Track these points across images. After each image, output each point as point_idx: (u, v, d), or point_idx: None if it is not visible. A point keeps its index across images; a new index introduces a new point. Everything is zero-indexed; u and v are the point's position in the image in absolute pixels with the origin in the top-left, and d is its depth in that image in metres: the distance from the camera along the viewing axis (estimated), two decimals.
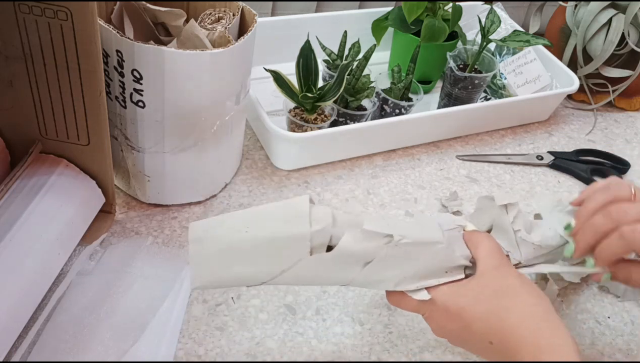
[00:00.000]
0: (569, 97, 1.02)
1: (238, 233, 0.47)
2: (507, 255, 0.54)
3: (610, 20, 0.92)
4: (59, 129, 0.58)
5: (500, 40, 0.88)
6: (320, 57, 0.81)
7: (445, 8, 0.90)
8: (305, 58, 0.76)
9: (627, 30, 0.93)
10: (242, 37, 0.61)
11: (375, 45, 0.82)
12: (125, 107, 0.62)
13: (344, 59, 0.84)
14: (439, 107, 0.92)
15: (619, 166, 0.89)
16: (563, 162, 0.88)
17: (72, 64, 0.52)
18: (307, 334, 0.60)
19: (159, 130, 0.63)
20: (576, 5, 0.97)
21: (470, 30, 1.01)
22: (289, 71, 0.78)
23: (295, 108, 0.80)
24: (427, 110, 0.86)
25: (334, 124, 0.78)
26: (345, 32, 0.84)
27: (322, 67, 0.82)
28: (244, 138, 0.78)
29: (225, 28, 0.64)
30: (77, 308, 0.58)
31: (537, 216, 0.59)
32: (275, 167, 0.79)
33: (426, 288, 0.51)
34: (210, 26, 0.66)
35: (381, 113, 0.83)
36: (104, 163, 0.61)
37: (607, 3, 0.93)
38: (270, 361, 0.58)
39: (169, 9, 0.65)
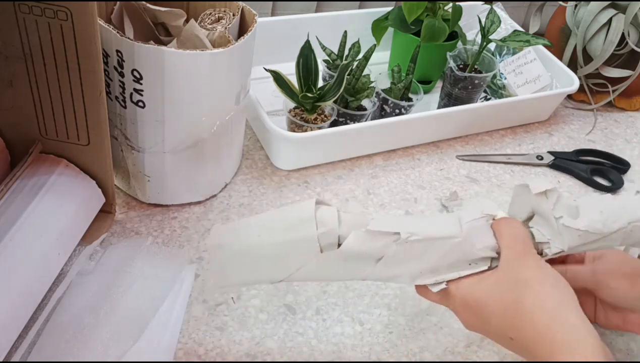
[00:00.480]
0: (569, 97, 1.02)
1: (252, 239, 0.50)
2: (549, 243, 0.52)
3: (610, 20, 0.92)
4: (59, 129, 0.58)
5: (500, 40, 0.88)
6: (320, 57, 0.81)
7: (445, 8, 0.90)
8: (305, 58, 0.76)
9: (627, 30, 0.93)
10: (242, 37, 0.61)
11: (375, 45, 0.82)
12: (125, 107, 0.62)
13: (344, 59, 0.84)
14: (439, 107, 0.92)
15: (619, 166, 0.89)
16: (563, 162, 0.88)
17: (72, 64, 0.52)
18: (307, 334, 0.60)
19: (159, 130, 0.63)
20: (576, 5, 0.97)
21: (470, 30, 1.01)
22: (289, 71, 0.78)
23: (295, 108, 0.80)
24: (427, 110, 0.86)
25: (334, 124, 0.78)
26: (345, 32, 0.84)
27: (322, 67, 0.82)
28: (244, 138, 0.78)
29: (225, 28, 0.64)
30: (77, 308, 0.58)
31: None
32: (275, 167, 0.79)
33: (448, 281, 0.51)
34: (210, 26, 0.66)
35: (381, 113, 0.83)
36: (104, 163, 0.61)
37: (607, 3, 0.93)
38: (270, 361, 0.58)
39: (169, 9, 0.65)
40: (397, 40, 0.95)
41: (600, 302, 0.61)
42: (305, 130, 0.76)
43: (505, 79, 0.93)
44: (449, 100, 0.89)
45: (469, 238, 0.50)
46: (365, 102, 0.81)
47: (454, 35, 0.93)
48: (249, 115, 0.82)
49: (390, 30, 0.94)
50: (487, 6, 0.98)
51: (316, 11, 1.04)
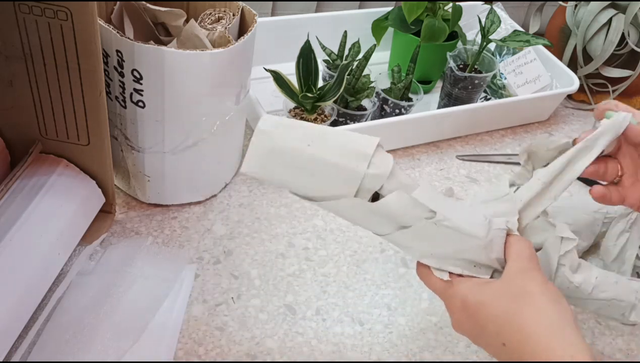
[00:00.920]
0: (569, 97, 1.02)
1: (300, 144, 0.47)
2: None
3: (610, 20, 0.92)
4: (59, 129, 0.58)
5: (500, 40, 0.88)
6: (320, 57, 0.81)
7: (445, 8, 0.90)
8: (305, 58, 0.76)
9: (627, 30, 0.93)
10: (242, 37, 0.61)
11: (375, 45, 0.82)
12: (125, 107, 0.62)
13: (344, 59, 0.84)
14: (439, 107, 0.92)
15: None
16: None
17: (72, 64, 0.52)
18: (307, 334, 0.60)
19: (159, 130, 0.63)
20: (576, 5, 0.97)
21: (470, 30, 1.01)
22: (289, 71, 0.78)
23: (295, 108, 0.80)
24: (427, 110, 0.86)
25: (334, 124, 0.78)
26: (345, 32, 0.84)
27: (322, 67, 0.82)
28: (244, 138, 0.78)
29: (225, 28, 0.64)
30: (77, 308, 0.58)
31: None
32: None
33: (451, 275, 0.51)
34: (210, 26, 0.66)
35: (381, 113, 0.83)
36: (104, 163, 0.61)
37: (607, 3, 0.93)
38: (270, 361, 0.58)
39: (169, 9, 0.65)
40: (397, 40, 0.95)
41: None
42: None
43: (505, 79, 0.92)
44: (449, 100, 0.89)
45: (490, 245, 0.50)
46: (365, 102, 0.81)
47: (454, 35, 0.93)
48: (249, 115, 0.82)
49: (390, 30, 0.94)
50: (487, 6, 0.98)
51: (316, 11, 1.04)
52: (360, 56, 0.81)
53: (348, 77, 0.77)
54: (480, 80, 0.87)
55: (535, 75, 0.92)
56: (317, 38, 0.82)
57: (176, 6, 0.66)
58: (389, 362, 0.60)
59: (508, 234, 0.52)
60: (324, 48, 0.84)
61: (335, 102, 0.78)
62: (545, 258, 0.54)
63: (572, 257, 0.54)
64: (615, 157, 0.56)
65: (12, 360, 0.53)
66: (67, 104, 0.56)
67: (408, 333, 0.62)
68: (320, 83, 0.82)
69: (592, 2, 0.93)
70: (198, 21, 0.66)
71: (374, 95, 0.81)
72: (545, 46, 0.94)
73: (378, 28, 0.92)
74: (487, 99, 0.93)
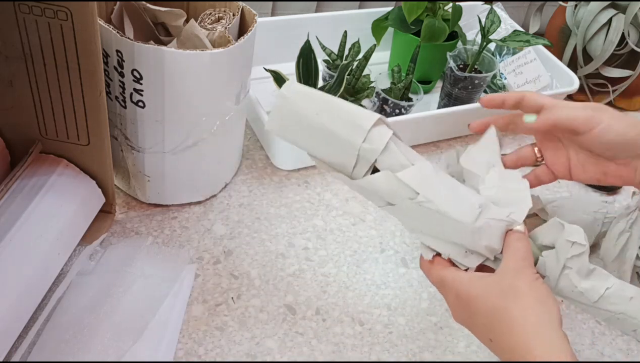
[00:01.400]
0: (569, 97, 1.02)
1: (311, 112, 0.51)
2: (542, 276, 0.53)
3: (610, 20, 0.92)
4: (59, 129, 0.58)
5: (500, 40, 0.88)
6: (320, 57, 0.81)
7: (445, 8, 0.90)
8: (305, 58, 0.76)
9: (627, 30, 0.93)
10: (242, 37, 0.61)
11: (375, 45, 0.82)
12: (125, 107, 0.62)
13: (344, 59, 0.84)
14: (439, 107, 0.92)
15: None
16: None
17: (72, 64, 0.52)
18: (307, 334, 0.60)
19: (159, 130, 0.63)
20: (576, 5, 0.97)
21: (470, 30, 1.01)
22: (289, 71, 0.78)
23: None
24: (427, 110, 0.86)
25: None
26: (345, 32, 0.84)
27: (322, 67, 0.82)
28: (244, 138, 0.78)
29: (225, 28, 0.64)
30: (77, 308, 0.58)
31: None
32: (275, 167, 0.79)
33: (450, 267, 0.52)
34: (210, 26, 0.66)
35: (381, 113, 0.83)
36: (104, 163, 0.61)
37: (607, 3, 0.93)
38: (270, 361, 0.58)
39: (169, 9, 0.65)
40: (397, 40, 0.95)
41: (576, 154, 0.60)
42: None
43: (505, 79, 0.92)
44: (449, 100, 0.89)
45: (479, 232, 0.51)
46: (365, 102, 0.81)
47: (454, 35, 0.93)
48: (249, 115, 0.82)
49: (390, 30, 0.94)
50: (487, 6, 0.98)
51: (316, 11, 1.04)
52: (360, 56, 0.81)
53: (348, 77, 0.77)
54: (480, 80, 0.87)
55: (535, 75, 0.92)
56: (317, 38, 0.82)
57: (176, 6, 0.66)
58: (389, 362, 0.60)
59: (510, 229, 0.52)
60: (324, 48, 0.84)
61: None
62: (554, 260, 0.54)
63: (582, 262, 0.53)
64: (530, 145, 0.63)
65: (12, 360, 0.53)
66: (67, 104, 0.56)
67: (408, 333, 0.62)
68: (320, 83, 0.82)
69: (592, 2, 0.93)
70: (198, 21, 0.66)
71: (374, 95, 0.81)
72: (545, 46, 0.94)
73: (378, 28, 0.92)
74: None
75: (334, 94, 0.74)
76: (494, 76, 0.93)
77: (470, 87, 0.87)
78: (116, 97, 0.62)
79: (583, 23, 0.94)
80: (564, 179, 0.62)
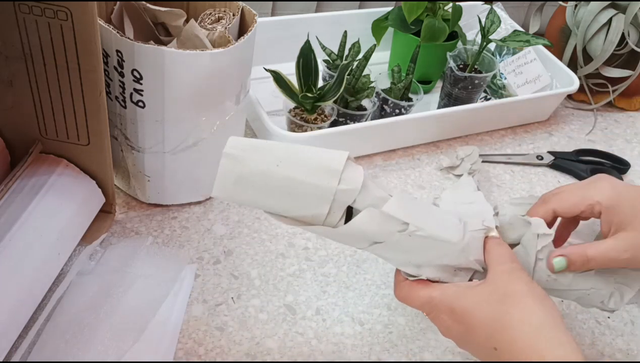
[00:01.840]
0: (569, 97, 1.02)
1: (269, 166, 0.47)
2: None
3: (610, 20, 0.92)
4: (59, 129, 0.58)
5: (500, 40, 0.88)
6: (320, 57, 0.81)
7: (445, 8, 0.90)
8: (305, 58, 0.76)
9: (627, 30, 0.93)
10: (242, 37, 0.61)
11: (375, 45, 0.82)
12: (125, 107, 0.62)
13: (344, 59, 0.84)
14: (439, 107, 0.92)
15: (619, 166, 0.89)
16: (563, 162, 0.88)
17: (72, 64, 0.52)
18: (307, 334, 0.60)
19: (159, 130, 0.63)
20: (576, 5, 0.97)
21: (470, 30, 1.01)
22: (289, 71, 0.78)
23: (295, 108, 0.80)
24: (427, 110, 0.86)
25: (334, 124, 0.78)
26: (345, 32, 0.84)
27: (322, 67, 0.82)
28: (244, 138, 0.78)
29: (225, 28, 0.64)
30: (77, 308, 0.58)
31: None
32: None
33: (435, 284, 0.51)
34: (210, 26, 0.66)
35: (381, 113, 0.83)
36: (104, 163, 0.61)
37: (607, 3, 0.93)
38: (270, 361, 0.58)
39: (169, 9, 0.65)
40: (397, 40, 0.95)
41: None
42: (305, 130, 0.76)
43: (505, 79, 0.92)
44: (449, 100, 0.89)
45: (468, 247, 0.51)
46: (365, 102, 0.81)
47: (454, 35, 0.93)
48: (249, 115, 0.82)
49: (390, 30, 0.94)
50: (487, 6, 0.98)
51: (316, 11, 1.04)
52: (360, 56, 0.81)
53: (348, 77, 0.77)
54: (480, 80, 0.87)
55: (535, 75, 0.92)
56: (317, 38, 0.82)
57: (176, 6, 0.66)
58: (389, 362, 0.60)
59: (486, 236, 0.52)
60: (324, 48, 0.84)
61: (335, 102, 0.78)
62: (524, 254, 0.54)
63: (549, 250, 0.54)
64: None
65: (12, 360, 0.53)
66: (67, 104, 0.56)
67: (408, 333, 0.62)
68: (320, 83, 0.82)
69: (592, 2, 0.94)
70: (198, 21, 0.66)
71: (374, 95, 0.81)
72: (545, 46, 0.94)
73: (378, 28, 0.92)
74: (487, 99, 0.93)
75: (334, 93, 0.74)
76: (494, 76, 0.93)
77: (470, 87, 0.87)
78: (116, 97, 0.62)
79: (583, 23, 0.94)
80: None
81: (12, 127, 0.59)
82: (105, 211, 0.66)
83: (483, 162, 0.86)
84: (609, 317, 0.68)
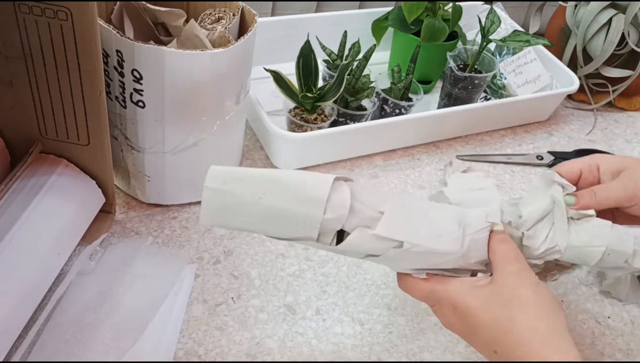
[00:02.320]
0: (569, 97, 1.02)
1: (252, 197, 0.46)
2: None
3: (610, 20, 0.92)
4: (59, 129, 0.58)
5: (500, 40, 0.88)
6: (320, 57, 0.81)
7: (445, 8, 0.90)
8: (305, 58, 0.76)
9: (627, 30, 0.93)
10: (242, 37, 0.61)
11: (375, 45, 0.81)
12: (125, 107, 0.62)
13: (344, 59, 0.84)
14: (439, 107, 0.92)
15: None
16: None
17: (72, 64, 0.52)
18: (307, 334, 0.60)
19: (159, 130, 0.63)
20: (576, 5, 0.97)
21: (470, 30, 1.01)
22: (289, 71, 0.78)
23: (295, 108, 0.80)
24: (427, 110, 0.86)
25: (334, 124, 0.78)
26: (345, 32, 0.84)
27: (322, 67, 0.82)
28: (244, 138, 0.78)
29: (225, 28, 0.64)
30: (77, 308, 0.58)
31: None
32: (275, 167, 0.79)
33: (438, 277, 0.51)
34: (210, 26, 0.66)
35: (381, 113, 0.83)
36: (104, 163, 0.61)
37: (607, 3, 0.93)
38: (270, 361, 0.58)
39: (169, 9, 0.65)
40: (397, 40, 0.95)
41: (620, 215, 0.60)
42: (305, 130, 0.76)
43: (505, 79, 0.92)
44: (449, 100, 0.89)
45: (468, 253, 0.50)
46: (365, 102, 0.81)
47: (454, 35, 0.93)
48: (249, 115, 0.82)
49: (390, 30, 0.94)
50: (487, 6, 0.98)
51: (316, 11, 1.04)
52: (360, 56, 0.81)
53: (348, 77, 0.77)
54: (480, 80, 0.87)
55: (535, 75, 0.92)
56: (317, 38, 0.82)
57: (176, 6, 0.66)
58: (389, 362, 0.60)
59: (491, 231, 0.52)
60: (324, 48, 0.84)
61: (335, 102, 0.78)
62: (555, 217, 0.55)
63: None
64: None
65: (12, 360, 0.53)
66: (67, 104, 0.56)
67: (408, 333, 0.62)
68: (320, 83, 0.82)
69: (592, 2, 0.94)
70: (198, 21, 0.66)
71: (374, 95, 0.81)
72: (545, 46, 0.94)
73: (378, 28, 0.92)
74: (487, 99, 0.93)
75: (334, 93, 0.74)
76: (494, 76, 0.93)
77: (470, 87, 0.87)
78: (116, 97, 0.62)
79: (583, 23, 0.94)
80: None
81: (12, 127, 0.59)
82: (105, 211, 0.66)
83: (483, 162, 0.86)
84: (609, 317, 0.68)
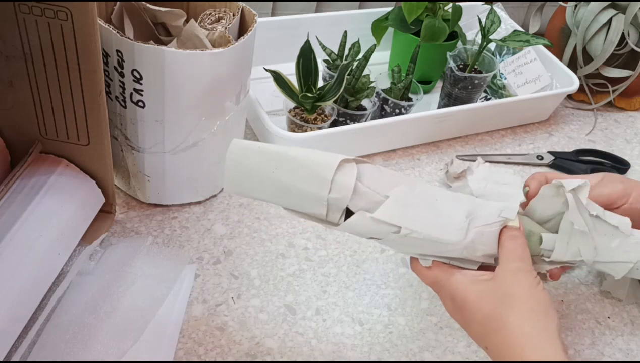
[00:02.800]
0: (569, 97, 1.02)
1: (267, 170, 0.49)
2: (551, 252, 0.54)
3: (610, 20, 0.92)
4: (59, 129, 0.58)
5: (500, 40, 0.88)
6: (320, 57, 0.81)
7: (445, 8, 0.90)
8: (305, 58, 0.76)
9: (627, 30, 0.93)
10: (242, 37, 0.61)
11: (375, 45, 0.82)
12: (125, 107, 0.62)
13: (344, 59, 0.84)
14: (439, 107, 0.92)
15: (619, 166, 0.89)
16: (563, 162, 0.88)
17: (72, 64, 0.52)
18: (307, 334, 0.60)
19: (159, 130, 0.63)
20: (576, 5, 0.97)
21: (470, 30, 1.01)
22: (289, 71, 0.78)
23: (295, 108, 0.80)
24: (427, 110, 0.86)
25: (334, 124, 0.78)
26: (345, 32, 0.84)
27: (322, 67, 0.82)
28: (244, 138, 0.78)
29: (225, 28, 0.64)
30: (77, 308, 0.58)
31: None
32: None
33: (444, 266, 0.52)
34: (210, 26, 0.66)
35: (381, 113, 0.83)
36: (104, 163, 0.61)
37: (607, 3, 0.93)
38: (270, 361, 0.58)
39: (169, 9, 0.65)
40: (397, 40, 0.95)
41: None
42: (305, 130, 0.76)
43: (505, 79, 0.93)
44: (449, 100, 0.89)
45: (472, 244, 0.50)
46: (365, 102, 0.81)
47: (454, 35, 0.93)
48: (249, 115, 0.82)
49: (390, 30, 0.94)
50: (487, 6, 0.98)
51: (316, 11, 1.04)
52: (360, 56, 0.81)
53: (348, 77, 0.77)
54: (480, 80, 0.87)
55: (535, 75, 0.92)
56: (317, 38, 0.82)
57: (176, 6, 0.66)
58: (389, 362, 0.60)
59: (504, 226, 0.51)
60: (324, 48, 0.84)
61: (335, 102, 0.78)
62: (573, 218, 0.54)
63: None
64: None
65: (12, 360, 0.53)
66: (67, 104, 0.56)
67: (408, 333, 0.62)
68: (320, 83, 0.82)
69: (592, 2, 0.94)
70: (198, 21, 0.66)
71: (374, 95, 0.81)
72: (545, 46, 0.94)
73: (378, 28, 0.92)
74: (487, 99, 0.93)
75: (334, 93, 0.74)
76: (494, 76, 0.93)
77: (470, 87, 0.87)
78: (116, 97, 0.62)
79: (583, 23, 0.94)
80: None
81: (12, 127, 0.59)
82: (105, 211, 0.66)
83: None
84: (609, 317, 0.68)
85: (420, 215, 0.50)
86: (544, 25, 1.07)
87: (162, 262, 0.64)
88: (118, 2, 0.64)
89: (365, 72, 0.80)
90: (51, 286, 0.58)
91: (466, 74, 0.86)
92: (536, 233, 0.54)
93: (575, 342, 0.64)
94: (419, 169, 0.83)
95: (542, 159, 0.88)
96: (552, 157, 0.88)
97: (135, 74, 0.58)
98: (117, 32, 0.57)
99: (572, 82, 0.93)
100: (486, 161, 0.86)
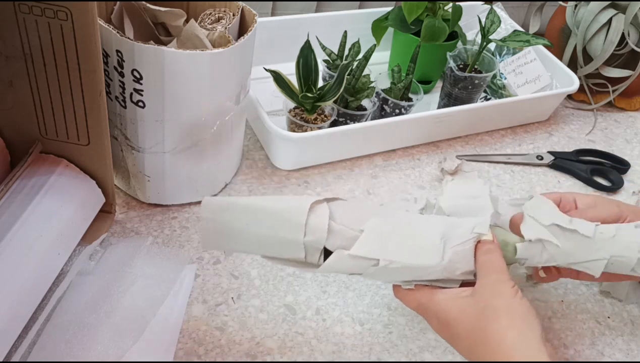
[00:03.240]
0: (569, 97, 1.02)
1: (239, 224, 0.50)
2: (526, 260, 0.54)
3: (610, 20, 0.92)
4: (59, 129, 0.58)
5: (500, 40, 0.88)
6: (320, 57, 0.81)
7: (445, 8, 0.90)
8: (305, 58, 0.76)
9: (627, 30, 0.93)
10: (242, 37, 0.61)
11: (375, 45, 0.82)
12: (125, 107, 0.62)
13: (344, 59, 0.84)
14: (439, 107, 0.92)
15: (619, 166, 0.89)
16: (563, 162, 0.88)
17: (72, 64, 0.53)
18: (307, 334, 0.60)
19: (159, 130, 0.63)
20: (576, 5, 0.97)
21: (470, 30, 1.01)
22: (289, 71, 0.78)
23: (295, 108, 0.80)
24: (427, 110, 0.86)
25: (334, 124, 0.78)
26: (345, 32, 0.84)
27: (322, 67, 0.82)
28: (244, 138, 0.78)
29: (225, 28, 0.64)
30: (77, 308, 0.58)
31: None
32: (275, 167, 0.79)
33: (425, 289, 0.52)
34: (210, 26, 0.66)
35: (381, 113, 0.83)
36: (104, 163, 0.61)
37: (607, 3, 0.93)
38: (270, 361, 0.58)
39: (169, 9, 0.65)
40: (397, 40, 0.95)
41: None
42: (305, 130, 0.76)
43: (505, 79, 0.93)
44: (449, 100, 0.89)
45: (450, 265, 0.51)
46: (365, 102, 0.81)
47: (454, 35, 0.93)
48: (249, 115, 0.82)
49: (390, 30, 0.94)
50: (487, 6, 0.98)
51: (316, 11, 1.04)
52: (360, 56, 0.81)
53: (348, 77, 0.77)
54: (480, 80, 0.87)
55: (535, 75, 0.92)
56: (317, 38, 0.82)
57: (176, 6, 0.66)
58: (389, 362, 0.60)
59: (478, 241, 0.52)
60: (324, 48, 0.84)
61: (335, 102, 0.78)
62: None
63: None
64: None
65: (12, 360, 0.53)
66: (67, 104, 0.56)
67: (408, 333, 0.62)
68: (320, 83, 0.82)
69: (592, 2, 0.94)
70: (198, 21, 0.66)
71: (374, 95, 0.81)
72: (545, 46, 0.94)
73: (378, 28, 0.92)
74: (487, 99, 0.93)
75: (334, 93, 0.74)
76: (494, 76, 0.93)
77: (470, 87, 0.87)
78: (116, 97, 0.62)
79: (583, 23, 0.94)
80: None
81: (12, 127, 0.59)
82: (105, 211, 0.66)
83: (483, 162, 0.86)
84: (609, 317, 0.68)
85: (395, 245, 0.51)
86: (544, 25, 1.07)
87: (162, 262, 0.64)
88: (118, 2, 0.64)
89: (365, 72, 0.80)
90: (51, 286, 0.58)
91: (466, 74, 0.86)
92: (511, 243, 0.55)
93: (575, 342, 0.64)
94: (419, 169, 0.83)
95: (542, 159, 0.88)
96: (552, 157, 0.88)
97: (135, 74, 0.58)
98: (117, 32, 0.57)
99: (572, 82, 0.93)
100: (486, 161, 0.86)
